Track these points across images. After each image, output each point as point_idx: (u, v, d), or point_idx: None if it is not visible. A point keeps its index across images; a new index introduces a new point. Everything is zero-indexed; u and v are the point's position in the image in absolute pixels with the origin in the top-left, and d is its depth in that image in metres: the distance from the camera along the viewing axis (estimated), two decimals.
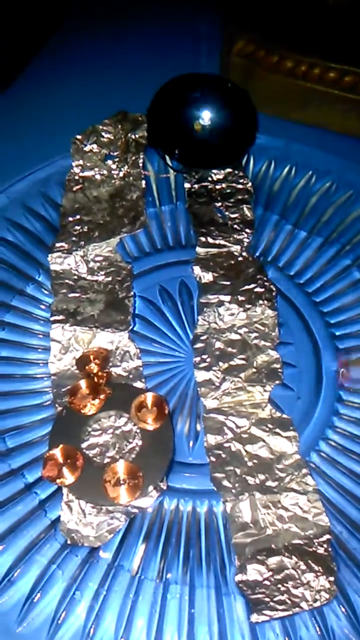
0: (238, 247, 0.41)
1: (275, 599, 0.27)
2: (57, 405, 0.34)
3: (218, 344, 0.36)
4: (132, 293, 0.39)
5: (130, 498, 0.29)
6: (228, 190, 0.44)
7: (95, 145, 0.45)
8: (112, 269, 0.40)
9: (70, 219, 0.42)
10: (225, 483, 0.31)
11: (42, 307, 0.39)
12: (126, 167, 0.44)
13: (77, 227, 0.41)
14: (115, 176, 0.44)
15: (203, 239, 0.41)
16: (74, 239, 0.40)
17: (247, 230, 0.41)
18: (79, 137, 0.45)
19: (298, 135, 0.46)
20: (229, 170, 0.45)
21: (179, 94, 0.44)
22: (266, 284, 0.39)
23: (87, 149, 0.45)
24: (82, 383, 0.33)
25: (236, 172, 0.45)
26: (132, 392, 0.33)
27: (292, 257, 0.41)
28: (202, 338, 0.37)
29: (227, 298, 0.38)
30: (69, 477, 0.30)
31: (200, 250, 0.41)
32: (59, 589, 0.28)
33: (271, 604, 0.27)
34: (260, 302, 0.38)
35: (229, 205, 0.43)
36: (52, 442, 0.31)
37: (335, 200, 0.43)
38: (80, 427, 0.32)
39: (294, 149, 0.45)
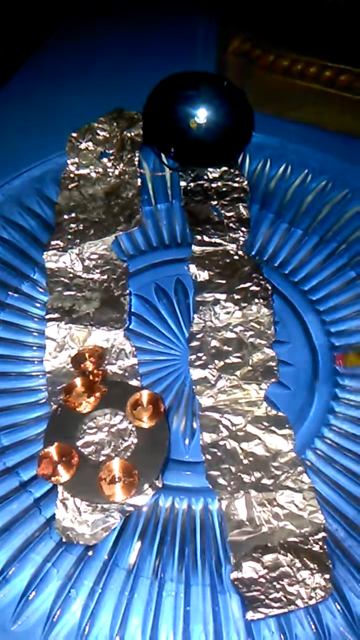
0: (234, 246, 0.41)
1: (270, 597, 0.27)
2: (52, 403, 0.34)
3: (214, 342, 0.36)
4: (127, 291, 0.39)
5: (125, 496, 0.29)
6: (224, 189, 0.44)
7: (90, 143, 0.45)
8: (108, 267, 0.40)
9: (66, 216, 0.42)
10: (221, 481, 0.31)
11: (38, 305, 0.38)
12: (122, 165, 0.44)
13: (73, 225, 0.41)
14: (110, 174, 0.44)
15: (199, 237, 0.41)
16: (69, 236, 0.40)
17: (243, 229, 0.41)
18: (74, 134, 0.45)
19: (294, 134, 0.46)
20: (224, 168, 0.45)
21: (174, 92, 0.44)
22: (262, 282, 0.39)
23: (82, 146, 0.45)
24: (78, 381, 0.33)
25: (232, 170, 0.45)
26: (127, 390, 0.33)
27: (287, 255, 0.42)
28: (198, 336, 0.37)
29: (223, 296, 0.38)
30: (64, 475, 0.30)
31: (196, 248, 0.41)
32: (54, 587, 0.28)
33: (267, 601, 0.27)
34: (256, 300, 0.38)
35: (225, 203, 0.43)
36: (47, 440, 0.31)
37: (331, 199, 0.43)
38: (76, 425, 0.32)
39: (289, 147, 0.45)
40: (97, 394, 0.33)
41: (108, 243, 0.41)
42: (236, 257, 0.40)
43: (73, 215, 0.42)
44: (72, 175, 0.44)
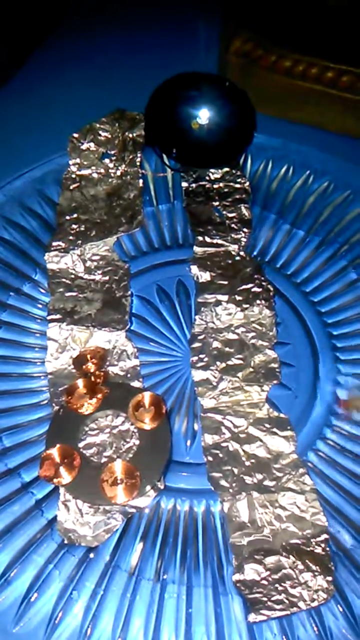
0: (235, 247, 0.41)
1: (272, 599, 0.27)
2: (54, 404, 0.34)
3: (215, 344, 0.36)
4: (129, 292, 0.39)
5: (127, 498, 0.29)
6: (226, 190, 0.44)
7: (92, 144, 0.45)
8: (109, 268, 0.40)
9: (67, 217, 0.42)
10: (223, 482, 0.31)
11: (39, 305, 0.38)
12: (123, 165, 0.44)
13: (74, 226, 0.41)
14: (112, 175, 0.44)
15: (200, 238, 0.41)
16: (70, 237, 0.40)
17: (245, 230, 0.41)
18: (76, 135, 0.45)
19: (296, 135, 0.46)
20: (226, 169, 0.45)
21: (176, 92, 0.44)
22: (264, 283, 0.39)
23: (84, 147, 0.45)
24: (79, 382, 0.33)
25: (234, 171, 0.45)
26: (129, 391, 0.33)
27: (289, 256, 0.41)
28: (200, 338, 0.37)
29: (225, 297, 0.38)
30: (65, 477, 0.30)
31: (197, 249, 0.40)
32: (56, 588, 0.28)
33: (269, 603, 0.27)
34: (258, 301, 0.38)
35: (227, 204, 0.43)
36: (49, 442, 0.31)
37: (333, 200, 0.43)
38: (77, 426, 0.32)
39: (291, 148, 0.45)
40: (99, 396, 0.33)
41: (110, 244, 0.41)
42: (238, 258, 0.40)
43: (74, 216, 0.42)
44: (73, 175, 0.44)
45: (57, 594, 0.28)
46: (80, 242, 0.40)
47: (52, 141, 0.45)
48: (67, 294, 0.38)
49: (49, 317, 0.37)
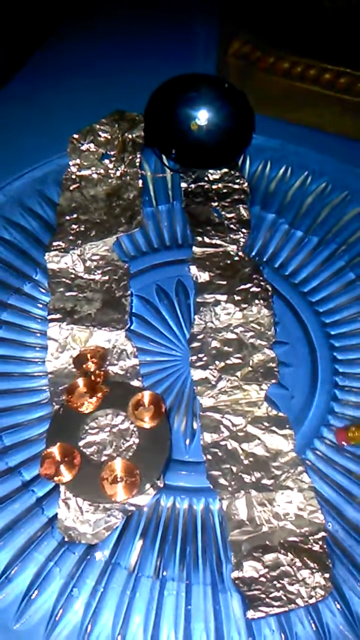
0: (234, 247, 0.41)
1: (271, 596, 0.27)
2: (54, 403, 0.34)
3: (214, 343, 0.37)
4: (129, 292, 0.39)
5: (127, 496, 0.29)
6: (224, 190, 0.44)
7: (92, 145, 0.45)
8: (109, 267, 0.40)
9: (67, 217, 0.42)
10: (222, 481, 0.31)
11: (40, 305, 0.39)
12: (123, 166, 0.45)
13: (74, 226, 0.41)
14: (112, 175, 0.45)
15: (199, 238, 0.41)
16: (70, 237, 0.41)
17: (244, 230, 0.42)
18: (76, 136, 0.45)
19: (294, 136, 0.47)
20: (225, 170, 0.45)
21: (175, 94, 0.45)
22: (262, 283, 0.39)
23: (84, 148, 0.45)
24: (80, 381, 0.33)
25: (232, 172, 0.45)
26: (129, 390, 0.33)
27: (288, 257, 0.42)
28: (199, 337, 0.37)
29: (224, 297, 0.38)
30: (66, 475, 0.30)
31: (196, 249, 0.41)
32: (56, 586, 0.28)
33: (267, 600, 0.27)
34: (256, 301, 0.38)
35: (226, 205, 0.43)
36: (49, 440, 0.31)
37: (331, 201, 0.43)
38: (78, 425, 0.32)
39: (290, 149, 0.45)
40: (99, 395, 0.33)
41: (109, 244, 0.41)
42: (236, 258, 0.40)
43: (74, 216, 0.42)
44: (73, 176, 0.44)
45: (57, 591, 0.28)
46: (80, 242, 0.40)
47: (52, 142, 0.45)
48: (67, 294, 0.38)
49: (49, 317, 0.37)
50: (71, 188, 0.44)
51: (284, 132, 0.47)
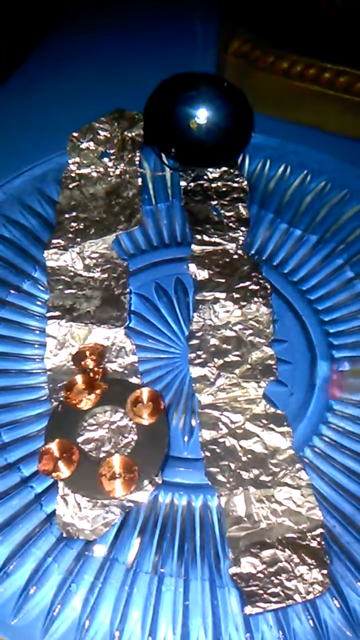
0: (233, 245, 0.41)
1: (268, 592, 0.28)
2: (53, 400, 0.34)
3: (213, 341, 0.37)
4: (128, 290, 0.39)
5: (125, 492, 0.29)
6: (224, 189, 0.44)
7: (91, 143, 0.45)
8: (108, 265, 0.40)
9: (67, 215, 0.42)
10: (220, 477, 0.31)
11: (38, 303, 0.39)
12: (122, 164, 0.45)
13: (73, 224, 0.41)
14: (111, 174, 0.45)
15: (199, 236, 0.41)
16: (70, 235, 0.41)
17: (243, 229, 0.42)
18: (75, 134, 0.45)
19: (293, 135, 0.47)
20: (224, 168, 0.45)
21: (175, 92, 0.45)
22: (261, 281, 0.39)
23: (83, 146, 0.45)
24: (78, 378, 0.33)
25: (232, 170, 0.45)
26: (127, 387, 0.33)
27: (287, 255, 0.42)
28: (198, 335, 0.37)
29: (223, 295, 0.38)
30: (64, 471, 0.30)
31: (195, 247, 0.41)
32: (54, 581, 0.28)
33: (265, 596, 0.27)
34: (255, 299, 0.38)
35: (225, 203, 0.43)
36: (48, 437, 0.31)
37: (330, 200, 0.43)
38: (76, 421, 0.32)
39: (289, 148, 0.45)
40: (98, 391, 0.33)
41: (108, 242, 0.41)
42: (235, 257, 0.40)
43: (74, 214, 0.42)
44: (73, 174, 0.44)
45: (55, 587, 0.28)
46: (79, 240, 0.40)
47: (51, 140, 0.45)
48: (67, 292, 0.38)
49: (48, 314, 0.37)
50: (70, 186, 0.44)
51: (283, 131, 0.47)
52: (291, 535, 0.29)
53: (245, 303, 0.38)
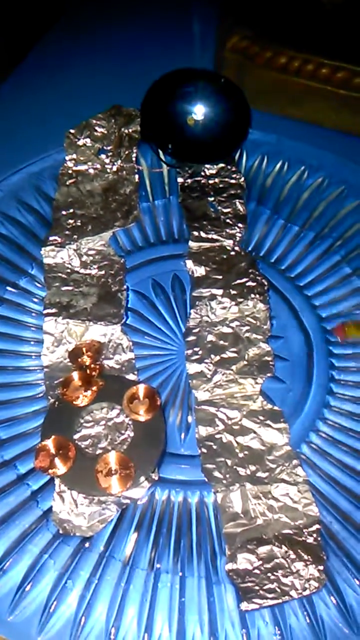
0: (230, 242, 0.41)
1: (265, 588, 0.28)
2: (49, 397, 0.34)
3: (210, 337, 0.37)
4: (125, 286, 0.39)
5: (121, 488, 0.29)
6: (221, 185, 0.44)
7: (88, 140, 0.45)
8: (105, 262, 0.40)
9: (64, 212, 0.42)
10: (216, 474, 0.31)
11: (35, 300, 0.39)
12: (119, 161, 0.45)
13: (70, 221, 0.41)
14: (108, 170, 0.45)
15: (196, 233, 0.41)
16: (67, 232, 0.41)
17: (240, 225, 0.42)
18: (72, 131, 0.45)
19: (291, 131, 0.47)
20: (222, 165, 0.45)
21: (172, 88, 0.45)
22: (258, 278, 0.39)
23: (80, 143, 0.45)
24: (75, 375, 0.33)
25: (229, 167, 0.45)
26: (124, 384, 0.33)
27: (284, 251, 0.42)
28: (195, 331, 0.37)
29: (220, 292, 0.38)
30: (61, 468, 0.30)
31: (193, 244, 0.41)
32: (50, 578, 0.28)
33: (261, 592, 0.27)
34: (252, 295, 0.38)
35: (222, 199, 0.43)
36: (44, 434, 0.31)
37: (327, 196, 0.43)
38: (73, 418, 0.32)
39: (286, 144, 0.45)
40: (94, 388, 0.33)
41: (106, 239, 0.41)
42: (233, 253, 0.40)
43: (71, 211, 0.42)
44: (70, 171, 0.44)
45: (51, 584, 0.28)
46: (76, 236, 0.40)
47: (48, 137, 0.45)
48: (63, 288, 0.38)
49: (45, 311, 0.37)
50: (67, 183, 0.44)
51: (281, 127, 0.47)
52: (287, 532, 0.29)
53: (242, 299, 0.38)
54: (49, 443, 0.30)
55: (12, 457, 0.32)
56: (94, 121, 0.46)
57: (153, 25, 0.60)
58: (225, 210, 0.43)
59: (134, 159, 0.45)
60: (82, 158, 0.45)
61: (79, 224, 0.41)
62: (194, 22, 0.58)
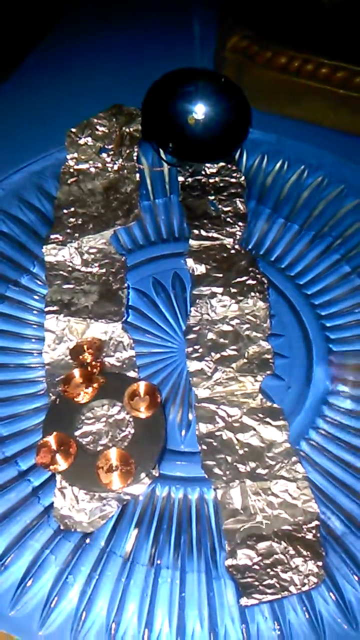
0: (231, 240, 0.41)
1: (264, 583, 0.28)
2: (50, 394, 0.34)
3: (210, 335, 0.37)
4: (125, 285, 0.39)
5: (122, 485, 0.30)
6: (221, 184, 0.44)
7: (90, 139, 0.45)
8: (106, 260, 0.40)
9: (65, 211, 0.42)
10: (216, 470, 0.32)
11: (37, 297, 0.39)
12: (120, 160, 0.45)
13: (72, 219, 0.42)
14: (109, 169, 0.45)
15: (196, 231, 0.41)
16: (68, 231, 0.41)
17: (240, 224, 0.42)
18: (73, 130, 0.45)
19: (291, 131, 0.47)
20: (222, 164, 0.45)
21: (173, 88, 0.45)
22: (258, 276, 0.39)
23: (82, 142, 0.45)
24: (76, 372, 0.33)
25: (229, 166, 0.45)
26: (125, 381, 0.34)
27: (284, 250, 0.42)
28: (195, 329, 0.37)
29: (220, 290, 0.38)
30: (62, 464, 0.30)
31: (193, 242, 0.41)
32: (51, 573, 0.28)
33: (260, 587, 0.28)
34: (252, 294, 0.38)
35: (222, 198, 0.43)
36: (45, 430, 0.32)
37: (327, 195, 0.43)
38: (74, 415, 0.32)
39: (286, 143, 0.45)
40: (95, 385, 0.33)
41: (107, 237, 0.41)
42: (233, 252, 0.41)
43: (72, 209, 0.42)
44: (71, 170, 0.44)
45: (52, 579, 0.28)
46: (77, 235, 0.40)
47: (50, 136, 0.45)
48: (65, 286, 0.39)
49: (46, 309, 0.37)
50: (69, 182, 0.44)
51: (281, 127, 0.47)
52: (287, 528, 0.30)
53: (242, 298, 0.38)
54: (50, 439, 0.31)
55: (13, 453, 0.33)
56: (95, 120, 0.46)
57: (153, 26, 0.61)
58: (225, 209, 0.43)
59: (135, 157, 0.45)
60: (83, 157, 0.45)
61: (80, 222, 0.41)
62: (194, 22, 0.58)
